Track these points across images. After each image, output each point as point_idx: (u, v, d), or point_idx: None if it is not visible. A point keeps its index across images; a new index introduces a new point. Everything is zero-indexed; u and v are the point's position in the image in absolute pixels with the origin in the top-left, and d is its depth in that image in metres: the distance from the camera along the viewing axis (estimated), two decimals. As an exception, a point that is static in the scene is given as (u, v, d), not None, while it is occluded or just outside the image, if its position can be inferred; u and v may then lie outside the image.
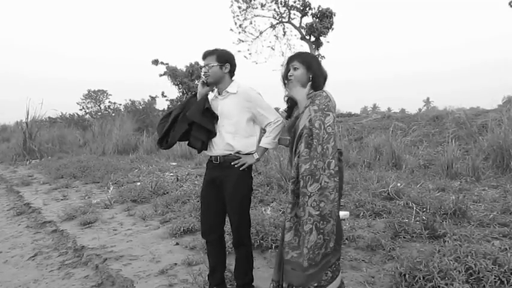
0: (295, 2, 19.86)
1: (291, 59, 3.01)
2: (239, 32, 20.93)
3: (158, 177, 9.23)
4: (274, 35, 21.36)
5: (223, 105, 3.20)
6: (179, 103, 3.36)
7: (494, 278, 2.95)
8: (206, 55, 3.21)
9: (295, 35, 20.78)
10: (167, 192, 7.33)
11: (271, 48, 21.44)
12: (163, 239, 4.99)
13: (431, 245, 3.88)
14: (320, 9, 19.55)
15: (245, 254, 3.31)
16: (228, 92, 3.20)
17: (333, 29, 19.75)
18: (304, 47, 20.28)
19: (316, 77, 2.92)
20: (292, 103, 3.05)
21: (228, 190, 3.17)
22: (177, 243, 4.77)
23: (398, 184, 5.88)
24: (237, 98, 3.17)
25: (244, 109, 3.15)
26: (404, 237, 4.18)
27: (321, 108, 2.73)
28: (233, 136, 3.15)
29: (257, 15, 20.70)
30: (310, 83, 2.92)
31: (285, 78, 3.04)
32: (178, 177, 8.75)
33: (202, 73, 3.21)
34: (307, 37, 19.93)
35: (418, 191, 5.99)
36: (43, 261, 4.59)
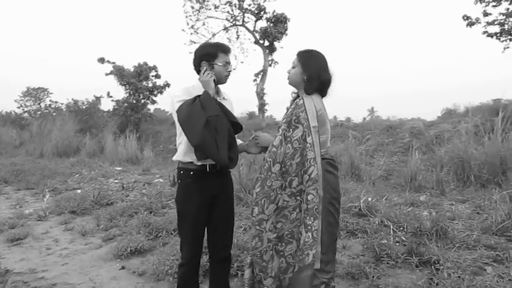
0: (250, 6, 19.40)
1: (296, 54, 2.67)
2: (191, 33, 20.15)
3: (101, 184, 8.42)
4: (227, 38, 20.72)
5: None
6: (192, 105, 2.56)
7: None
8: (230, 50, 2.86)
9: (249, 39, 20.23)
10: (111, 203, 6.56)
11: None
12: (106, 262, 4.25)
13: (421, 272, 3.43)
14: (275, 13, 19.18)
15: (229, 269, 3.11)
16: (223, 98, 2.90)
17: (287, 34, 19.42)
18: (258, 51, 19.85)
19: (310, 80, 2.55)
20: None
21: (225, 199, 2.87)
22: (123, 267, 4.06)
23: (370, 199, 5.44)
24: (229, 101, 2.95)
25: None
26: (388, 263, 3.70)
27: (288, 120, 2.51)
28: None
29: (210, 17, 20.03)
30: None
31: None
32: (124, 185, 7.97)
33: (227, 71, 2.82)
34: (261, 41, 19.49)
35: (386, 205, 5.62)
36: (-44, 290, 3.76)
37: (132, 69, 18.68)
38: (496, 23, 12.87)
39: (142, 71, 18.74)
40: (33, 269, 4.08)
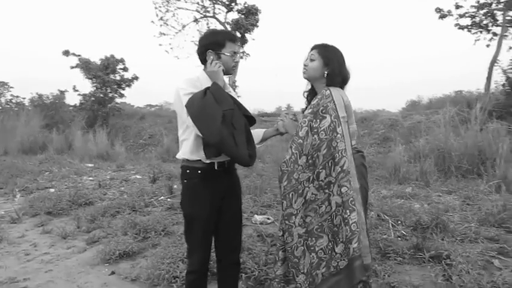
0: (220, -4, 19.14)
1: (312, 47, 2.55)
2: (161, 25, 19.81)
3: (75, 182, 8.03)
4: (198, 30, 20.35)
5: None
6: (204, 99, 2.32)
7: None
8: (238, 39, 2.64)
9: (220, 31, 20.08)
10: (90, 202, 6.19)
11: (194, 43, 20.46)
12: (94, 267, 3.95)
13: (432, 269, 3.33)
14: (246, 5, 18.98)
15: (238, 274, 2.87)
16: (229, 91, 2.63)
17: (258, 26, 19.28)
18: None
19: (332, 76, 2.46)
20: (311, 97, 2.61)
21: (233, 199, 2.64)
22: (113, 272, 3.78)
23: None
24: (233, 94, 2.70)
25: None
26: (395, 259, 3.58)
27: (315, 110, 2.39)
28: None
29: (180, 8, 19.67)
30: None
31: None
32: (101, 183, 7.61)
33: (235, 61, 2.58)
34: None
35: (376, 198, 5.55)
36: None
37: (98, 62, 18.11)
38: (467, 15, 13.09)
39: (110, 64, 18.22)
40: (14, 278, 3.75)
